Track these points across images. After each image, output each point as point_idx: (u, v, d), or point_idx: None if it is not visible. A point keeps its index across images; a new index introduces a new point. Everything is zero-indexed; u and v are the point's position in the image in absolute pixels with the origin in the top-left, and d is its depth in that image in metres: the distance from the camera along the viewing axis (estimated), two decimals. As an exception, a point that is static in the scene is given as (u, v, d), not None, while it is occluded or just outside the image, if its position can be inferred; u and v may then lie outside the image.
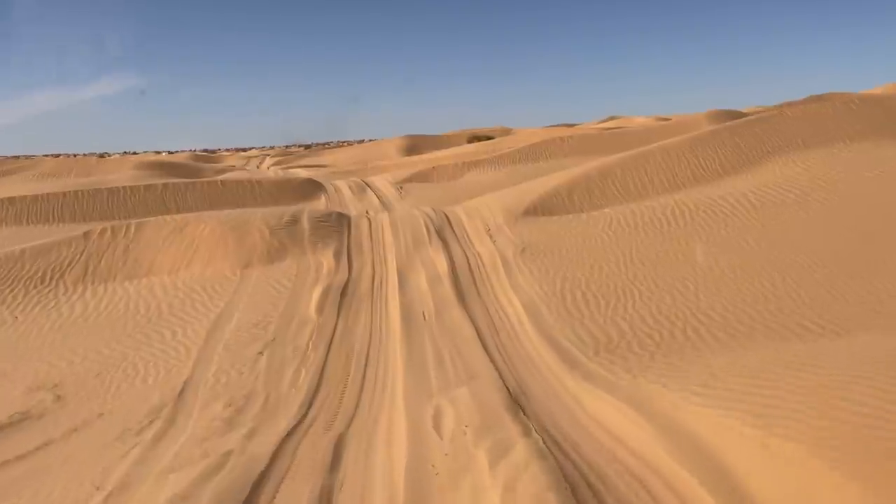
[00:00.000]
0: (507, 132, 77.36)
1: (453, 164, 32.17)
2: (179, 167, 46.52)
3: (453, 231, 15.98)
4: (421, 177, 31.43)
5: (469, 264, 13.33)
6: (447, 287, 11.98)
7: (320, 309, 11.22)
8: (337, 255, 14.30)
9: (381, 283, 12.85)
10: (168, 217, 16.54)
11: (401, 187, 29.90)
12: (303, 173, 44.22)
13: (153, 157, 55.03)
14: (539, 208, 16.19)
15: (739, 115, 39.00)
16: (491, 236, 14.91)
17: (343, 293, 12.19)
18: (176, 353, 10.00)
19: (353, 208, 26.34)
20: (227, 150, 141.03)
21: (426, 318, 10.53)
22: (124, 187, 26.86)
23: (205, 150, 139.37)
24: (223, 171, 48.85)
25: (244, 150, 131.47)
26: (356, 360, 9.22)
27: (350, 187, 29.94)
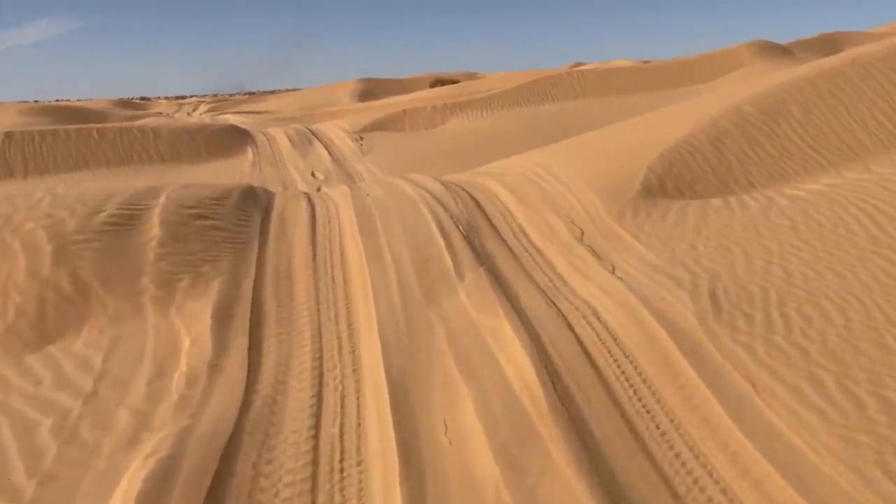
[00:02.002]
0: (472, 77, 67.94)
1: (429, 107, 23.09)
2: (81, 113, 36.19)
3: (498, 234, 7.23)
4: (387, 123, 22.36)
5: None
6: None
7: None
8: (219, 321, 5.30)
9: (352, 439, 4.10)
10: None
11: (360, 138, 20.84)
12: (233, 119, 34.54)
13: (53, 104, 44.07)
14: (666, 184, 7.54)
15: (783, 48, 30.65)
16: (597, 255, 6.25)
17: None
18: None
19: (290, 173, 17.33)
20: (166, 97, 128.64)
21: None
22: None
23: (141, 98, 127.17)
24: (138, 119, 38.60)
25: (182, 98, 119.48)
26: None
27: (290, 137, 20.76)
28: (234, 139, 19.98)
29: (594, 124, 18.67)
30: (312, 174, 17.15)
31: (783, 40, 32.86)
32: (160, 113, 53.90)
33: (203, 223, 6.83)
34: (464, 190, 8.73)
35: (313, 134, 21.51)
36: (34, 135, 17.54)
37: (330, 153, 19.29)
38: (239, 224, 7.28)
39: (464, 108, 23.33)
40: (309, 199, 9.16)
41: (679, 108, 11.15)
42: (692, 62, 26.91)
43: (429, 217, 7.51)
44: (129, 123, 18.54)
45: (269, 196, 8.97)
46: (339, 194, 9.51)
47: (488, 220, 7.61)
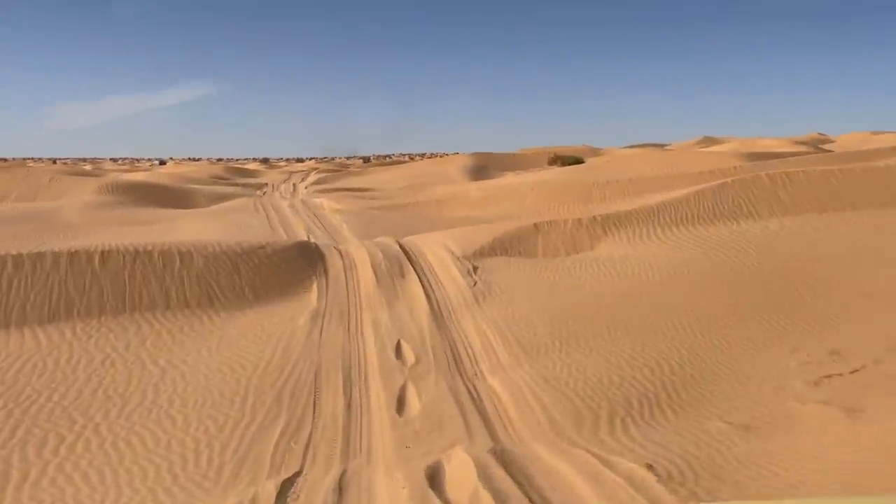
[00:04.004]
0: (596, 153, 60.95)
1: (570, 221, 15.95)
2: (161, 191, 31.54)
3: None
4: (511, 243, 15.37)
5: None
6: None
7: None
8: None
9: None
10: None
11: (474, 268, 13.93)
12: (327, 204, 28.82)
13: (130, 177, 40.23)
14: None
15: None
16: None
17: None
18: None
19: (364, 342, 10.57)
20: (287, 159, 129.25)
21: None
22: None
23: (264, 160, 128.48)
24: (228, 198, 33.67)
25: (301, 160, 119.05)
26: None
27: (375, 265, 13.99)
28: (297, 268, 13.52)
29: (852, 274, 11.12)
30: (397, 349, 10.30)
31: None
32: (264, 185, 49.69)
33: None
34: None
35: (407, 255, 14.76)
36: (6, 261, 11.68)
37: (428, 297, 12.44)
38: None
39: (620, 223, 16.08)
40: None
41: None
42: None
43: None
44: (149, 245, 12.33)
45: None
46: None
47: None
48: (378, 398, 8.63)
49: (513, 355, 10.01)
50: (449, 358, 10.03)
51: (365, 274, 13.66)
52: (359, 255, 14.81)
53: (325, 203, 29.70)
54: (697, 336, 10.72)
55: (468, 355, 10.19)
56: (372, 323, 11.36)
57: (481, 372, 9.61)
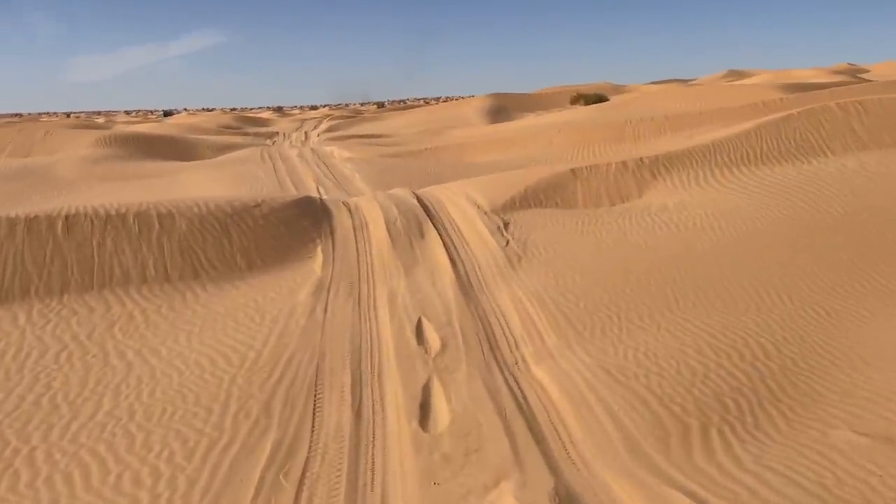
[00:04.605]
0: (619, 90, 57.55)
1: (613, 165, 13.67)
2: (163, 143, 29.41)
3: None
4: (546, 193, 13.14)
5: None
6: None
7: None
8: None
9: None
10: None
11: (505, 224, 11.78)
12: (338, 152, 26.60)
13: (130, 129, 38.10)
14: None
15: None
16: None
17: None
18: None
19: (378, 322, 8.50)
20: (301, 107, 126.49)
21: None
22: None
23: (277, 108, 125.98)
24: (234, 146, 31.48)
25: (314, 108, 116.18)
26: None
27: (389, 222, 11.88)
28: (299, 229, 11.45)
29: None
30: (418, 330, 8.28)
31: None
32: (275, 134, 47.38)
33: None
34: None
35: (426, 210, 12.61)
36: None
37: (452, 262, 10.36)
38: None
39: (671, 165, 13.75)
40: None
41: None
42: None
43: None
44: (122, 206, 10.29)
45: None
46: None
47: None
48: (395, 403, 6.65)
49: (561, 335, 7.96)
50: (482, 341, 8.00)
51: (378, 234, 11.56)
52: (370, 211, 12.68)
53: (335, 151, 27.45)
54: (786, 303, 8.59)
55: (505, 337, 8.15)
56: (387, 296, 9.32)
57: (523, 360, 7.58)
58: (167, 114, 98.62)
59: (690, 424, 6.02)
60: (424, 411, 6.50)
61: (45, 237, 10.06)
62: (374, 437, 6.09)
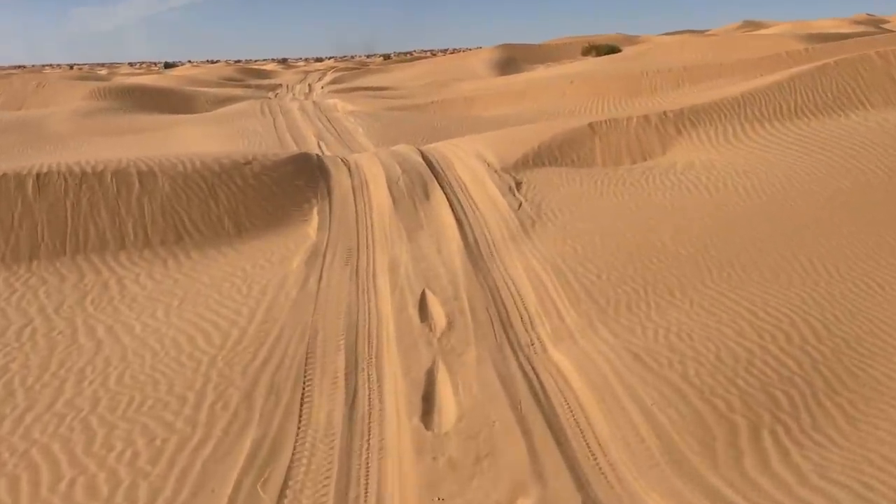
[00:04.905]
0: (632, 41, 55.44)
1: (634, 119, 12.59)
2: (160, 95, 28.23)
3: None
4: (561, 149, 12.13)
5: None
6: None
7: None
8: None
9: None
10: None
11: (517, 184, 10.78)
12: (341, 105, 25.42)
13: (126, 81, 36.84)
14: None
15: None
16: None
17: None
18: None
19: (378, 295, 7.57)
20: (306, 59, 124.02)
21: None
22: None
23: (282, 60, 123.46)
24: (234, 99, 30.27)
25: (320, 59, 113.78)
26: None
27: (391, 181, 10.93)
28: (293, 189, 10.49)
29: None
30: (422, 305, 7.39)
31: None
32: (278, 87, 45.97)
33: None
34: None
35: (432, 168, 11.60)
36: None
37: (460, 226, 9.42)
38: None
39: (697, 120, 12.63)
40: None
41: None
42: None
43: None
44: (99, 164, 9.33)
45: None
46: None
47: None
48: (395, 393, 5.79)
49: (581, 312, 7.05)
50: (493, 318, 7.11)
51: (379, 195, 10.59)
52: (371, 169, 11.67)
53: (338, 104, 26.24)
54: (833, 276, 7.64)
55: (519, 312, 7.25)
56: (388, 265, 8.41)
57: (539, 340, 6.70)
58: (168, 66, 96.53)
59: (737, 424, 5.14)
60: (428, 403, 5.64)
61: (14, 197, 9.15)
62: (369, 437, 5.25)
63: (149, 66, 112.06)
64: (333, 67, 70.62)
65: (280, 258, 8.67)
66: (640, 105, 19.98)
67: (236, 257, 8.81)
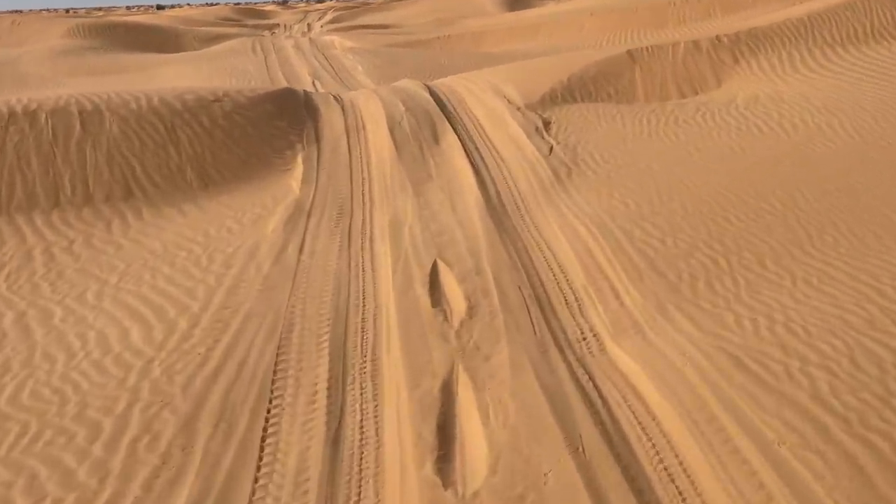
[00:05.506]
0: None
1: (682, 44, 10.48)
2: (144, 33, 25.90)
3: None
4: (596, 83, 10.04)
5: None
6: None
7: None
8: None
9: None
10: None
11: (546, 123, 8.75)
12: (339, 42, 23.13)
13: (108, 19, 34.30)
14: None
15: None
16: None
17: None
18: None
19: (378, 276, 5.63)
20: (306, 0, 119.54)
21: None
22: None
23: (283, 1, 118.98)
24: (225, 37, 27.89)
25: (321, 0, 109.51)
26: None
27: (394, 123, 8.89)
28: (273, 132, 8.54)
29: None
30: (433, 281, 5.54)
31: None
32: (275, 26, 43.22)
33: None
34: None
35: (442, 107, 9.58)
36: None
37: (478, 176, 7.51)
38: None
39: (757, 45, 10.52)
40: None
41: None
42: None
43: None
44: (32, 102, 7.36)
45: None
46: None
47: None
48: (398, 419, 4.01)
49: (646, 291, 5.21)
50: (528, 299, 5.28)
51: (378, 138, 8.62)
52: (369, 108, 9.67)
53: (336, 41, 23.90)
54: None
55: (562, 292, 5.42)
56: (389, 227, 6.54)
57: (594, 333, 4.88)
58: (160, 7, 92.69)
59: (917, 481, 3.34)
60: (445, 437, 3.86)
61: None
62: (359, 497, 3.47)
63: (146, 9, 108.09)
64: (333, 7, 67.43)
65: (253, 219, 6.81)
66: (670, 35, 17.71)
67: (199, 217, 6.95)
